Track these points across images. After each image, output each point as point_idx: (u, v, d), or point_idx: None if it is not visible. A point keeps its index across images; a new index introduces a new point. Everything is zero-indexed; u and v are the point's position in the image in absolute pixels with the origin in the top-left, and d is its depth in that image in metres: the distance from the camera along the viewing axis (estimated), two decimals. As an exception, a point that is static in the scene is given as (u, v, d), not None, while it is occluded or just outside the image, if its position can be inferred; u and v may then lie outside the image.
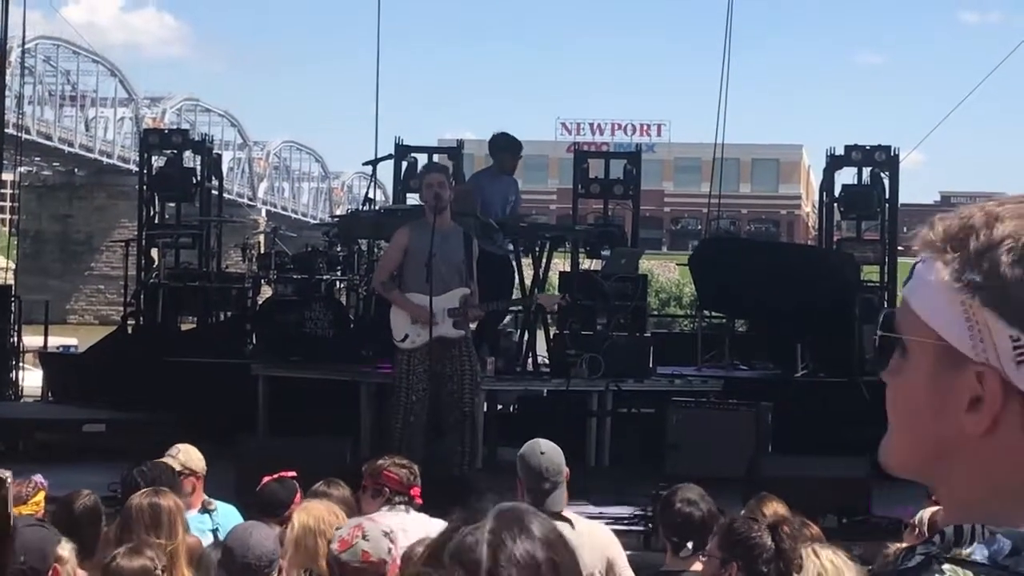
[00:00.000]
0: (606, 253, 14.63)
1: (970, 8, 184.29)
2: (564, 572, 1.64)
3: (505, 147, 13.11)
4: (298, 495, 6.32)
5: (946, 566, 1.26)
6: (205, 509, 6.91)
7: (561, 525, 1.74)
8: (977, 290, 1.33)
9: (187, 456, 7.09)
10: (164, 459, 6.98)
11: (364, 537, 4.33)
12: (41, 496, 6.30)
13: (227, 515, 6.89)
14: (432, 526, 5.71)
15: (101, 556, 5.10)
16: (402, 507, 5.95)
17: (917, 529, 5.72)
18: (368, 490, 6.05)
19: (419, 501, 6.00)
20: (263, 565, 4.79)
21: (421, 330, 10.02)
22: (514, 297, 12.82)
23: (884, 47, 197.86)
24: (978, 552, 1.25)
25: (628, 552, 6.23)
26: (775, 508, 5.58)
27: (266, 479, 6.37)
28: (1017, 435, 1.32)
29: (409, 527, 5.78)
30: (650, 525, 8.93)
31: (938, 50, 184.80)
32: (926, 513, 5.69)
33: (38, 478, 6.34)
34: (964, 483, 1.35)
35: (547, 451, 5.96)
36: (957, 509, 1.33)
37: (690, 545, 5.23)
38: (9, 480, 6.14)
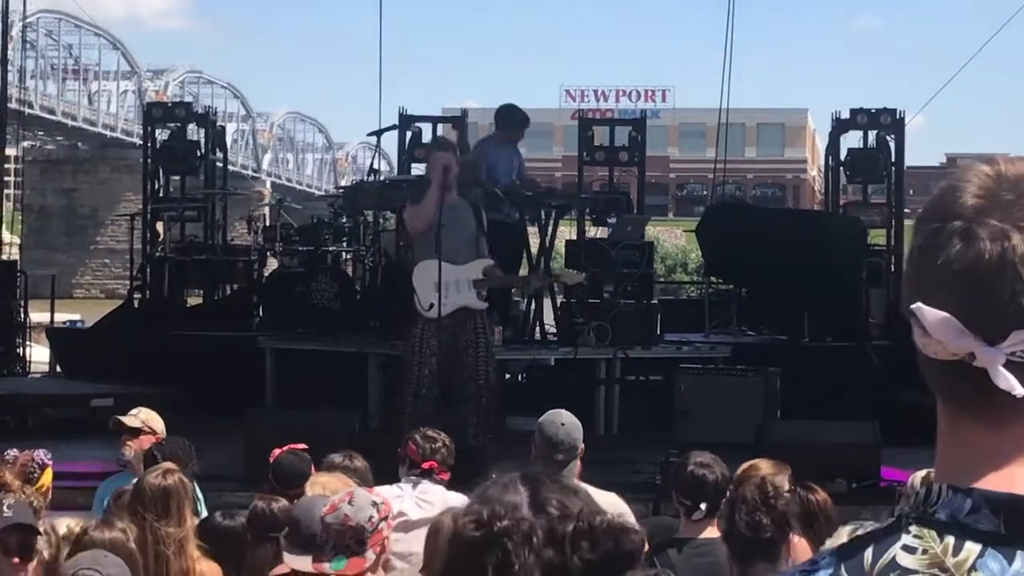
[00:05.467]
0: (612, 221, 14.61)
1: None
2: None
3: (514, 122, 13.09)
4: (311, 468, 6.30)
5: (913, 527, 1.31)
6: None
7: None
8: None
9: (148, 415, 7.12)
10: (125, 418, 7.03)
11: (350, 502, 4.35)
12: (48, 475, 6.26)
13: None
14: (441, 498, 5.77)
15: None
16: (413, 478, 6.00)
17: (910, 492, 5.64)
18: (399, 455, 6.21)
19: (442, 476, 6.03)
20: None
21: (446, 299, 10.01)
22: (523, 263, 12.81)
23: (881, 10, 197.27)
24: (941, 511, 1.31)
25: (638, 519, 6.22)
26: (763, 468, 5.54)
27: (278, 451, 6.33)
28: None
29: (412, 497, 5.87)
30: (659, 492, 8.92)
31: (936, 12, 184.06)
32: (917, 477, 5.61)
33: (40, 454, 6.30)
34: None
35: (567, 423, 5.94)
36: (938, 472, 1.37)
37: (703, 507, 5.21)
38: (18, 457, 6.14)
